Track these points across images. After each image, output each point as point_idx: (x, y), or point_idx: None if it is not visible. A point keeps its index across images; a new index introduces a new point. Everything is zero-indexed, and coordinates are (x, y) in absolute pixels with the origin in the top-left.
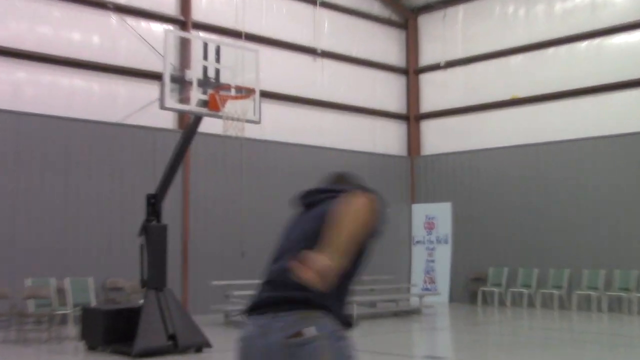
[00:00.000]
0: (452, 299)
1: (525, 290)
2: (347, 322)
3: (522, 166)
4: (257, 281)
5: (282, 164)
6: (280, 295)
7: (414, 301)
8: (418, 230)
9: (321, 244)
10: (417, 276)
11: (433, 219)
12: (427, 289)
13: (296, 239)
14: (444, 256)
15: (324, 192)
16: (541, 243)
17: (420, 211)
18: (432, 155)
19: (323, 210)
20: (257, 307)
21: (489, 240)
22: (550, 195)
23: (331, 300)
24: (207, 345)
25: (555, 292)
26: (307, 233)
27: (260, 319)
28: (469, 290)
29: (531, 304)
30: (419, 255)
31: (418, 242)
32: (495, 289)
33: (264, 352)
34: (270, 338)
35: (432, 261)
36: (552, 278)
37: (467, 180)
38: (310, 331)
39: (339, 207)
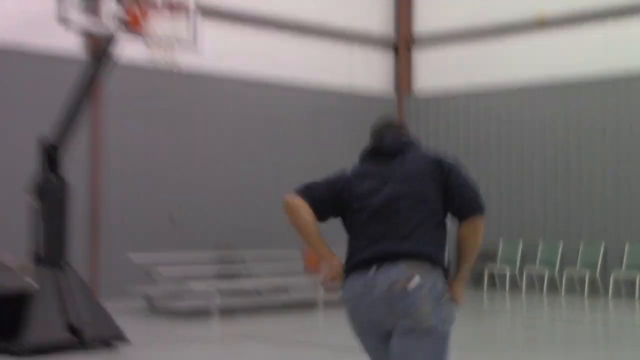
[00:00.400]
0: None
1: (545, 271)
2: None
3: (546, 111)
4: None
5: (226, 106)
6: (386, 250)
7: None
8: None
9: (458, 272)
10: None
11: None
12: None
13: (404, 219)
14: None
15: (394, 145)
16: (568, 210)
17: None
18: (427, 96)
19: (412, 172)
20: (358, 266)
21: (500, 205)
22: (582, 149)
23: (441, 255)
24: (121, 338)
25: (586, 271)
26: (415, 215)
27: (363, 277)
28: (472, 270)
29: (553, 288)
30: None
31: None
32: (507, 269)
33: (370, 307)
34: (374, 291)
35: None
36: (581, 255)
37: (473, 128)
38: (414, 281)
39: (473, 233)
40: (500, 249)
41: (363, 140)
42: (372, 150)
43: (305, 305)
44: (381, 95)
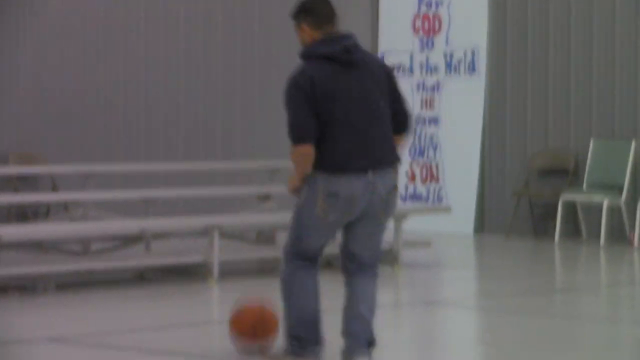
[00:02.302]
0: (485, 223)
1: None
2: None
3: None
4: None
5: None
6: (380, 157)
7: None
8: (395, 35)
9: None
10: None
11: (437, 5)
12: (416, 199)
13: (377, 112)
14: (465, 108)
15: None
16: None
17: None
18: None
19: (378, 77)
20: (353, 168)
21: (588, 66)
22: None
23: None
24: None
25: None
26: (382, 106)
27: (361, 178)
28: (534, 201)
29: None
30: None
31: (396, 67)
32: (603, 198)
33: (368, 204)
34: (375, 192)
35: (434, 121)
36: None
37: None
38: (396, 183)
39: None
40: (590, 156)
41: None
42: (342, 61)
43: (185, 274)
44: None
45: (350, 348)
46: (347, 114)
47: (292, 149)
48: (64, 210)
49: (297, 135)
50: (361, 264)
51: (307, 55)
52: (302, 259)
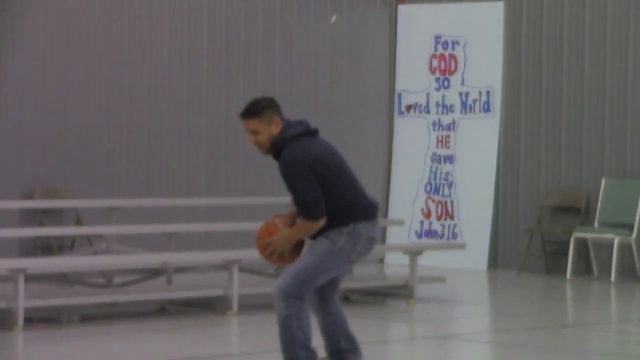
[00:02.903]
0: (499, 260)
1: None
2: None
3: None
4: None
5: None
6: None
7: (396, 267)
8: (412, 75)
9: None
10: (405, 201)
11: (454, 45)
12: (431, 235)
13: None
14: (480, 148)
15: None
16: None
17: (420, 23)
18: None
19: None
20: (374, 213)
21: (602, 107)
22: None
23: None
24: None
25: None
26: None
27: (378, 223)
28: (546, 238)
29: None
30: (412, 144)
31: (412, 106)
32: (614, 236)
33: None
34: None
35: (449, 159)
36: None
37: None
38: None
39: None
40: (602, 194)
41: None
42: (314, 133)
43: (206, 307)
44: None
45: (353, 351)
46: (344, 171)
47: (308, 224)
48: (88, 243)
49: (315, 212)
50: (336, 290)
51: (291, 136)
52: (304, 299)
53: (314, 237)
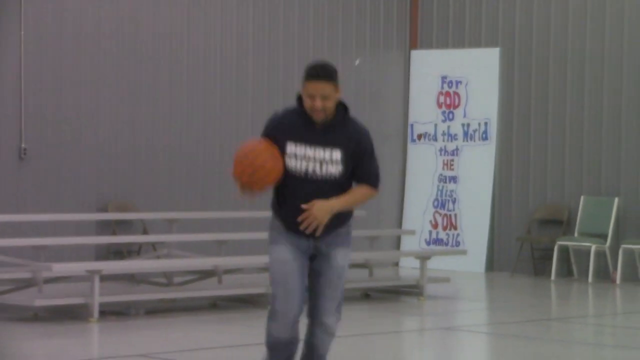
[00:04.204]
0: (494, 263)
1: None
2: None
3: None
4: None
5: None
6: None
7: (408, 270)
8: (423, 109)
9: None
10: (416, 214)
11: (457, 84)
12: (438, 243)
13: None
14: (479, 170)
15: None
16: None
17: (430, 65)
18: None
19: None
20: None
21: (580, 135)
22: None
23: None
24: None
25: None
26: None
27: None
28: (534, 245)
29: None
30: (422, 166)
31: (422, 135)
32: (591, 244)
33: None
34: None
35: (453, 179)
36: None
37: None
38: None
39: None
40: (580, 210)
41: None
42: None
43: (250, 302)
44: None
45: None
46: None
47: (372, 192)
48: (153, 249)
49: (379, 182)
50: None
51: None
52: None
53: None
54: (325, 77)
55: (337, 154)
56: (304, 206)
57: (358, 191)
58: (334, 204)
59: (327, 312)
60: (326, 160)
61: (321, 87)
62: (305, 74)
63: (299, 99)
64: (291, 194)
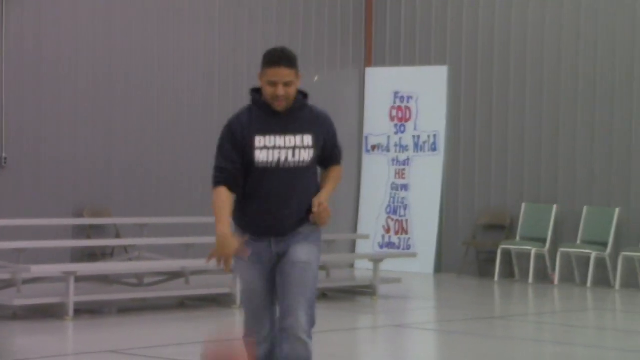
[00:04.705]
0: (442, 265)
1: (591, 252)
2: None
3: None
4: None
5: None
6: None
7: (363, 271)
8: (377, 122)
9: None
10: (370, 219)
11: (408, 99)
12: (390, 246)
13: None
14: (428, 179)
15: None
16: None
17: (383, 82)
18: None
19: None
20: None
21: (521, 147)
22: None
23: None
24: None
25: None
26: None
27: None
28: (479, 249)
29: (603, 280)
30: (376, 175)
31: (376, 146)
32: (531, 248)
33: None
34: None
35: (404, 187)
36: None
37: (485, 19)
38: None
39: None
40: (521, 216)
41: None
42: None
43: (216, 302)
44: None
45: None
46: None
47: (341, 169)
48: (125, 252)
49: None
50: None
51: None
52: None
53: (286, 230)
54: (286, 62)
55: (308, 139)
56: (314, 209)
57: (333, 175)
58: (326, 195)
59: (295, 310)
60: (298, 147)
61: (283, 74)
62: (265, 60)
63: (254, 91)
64: (258, 190)
